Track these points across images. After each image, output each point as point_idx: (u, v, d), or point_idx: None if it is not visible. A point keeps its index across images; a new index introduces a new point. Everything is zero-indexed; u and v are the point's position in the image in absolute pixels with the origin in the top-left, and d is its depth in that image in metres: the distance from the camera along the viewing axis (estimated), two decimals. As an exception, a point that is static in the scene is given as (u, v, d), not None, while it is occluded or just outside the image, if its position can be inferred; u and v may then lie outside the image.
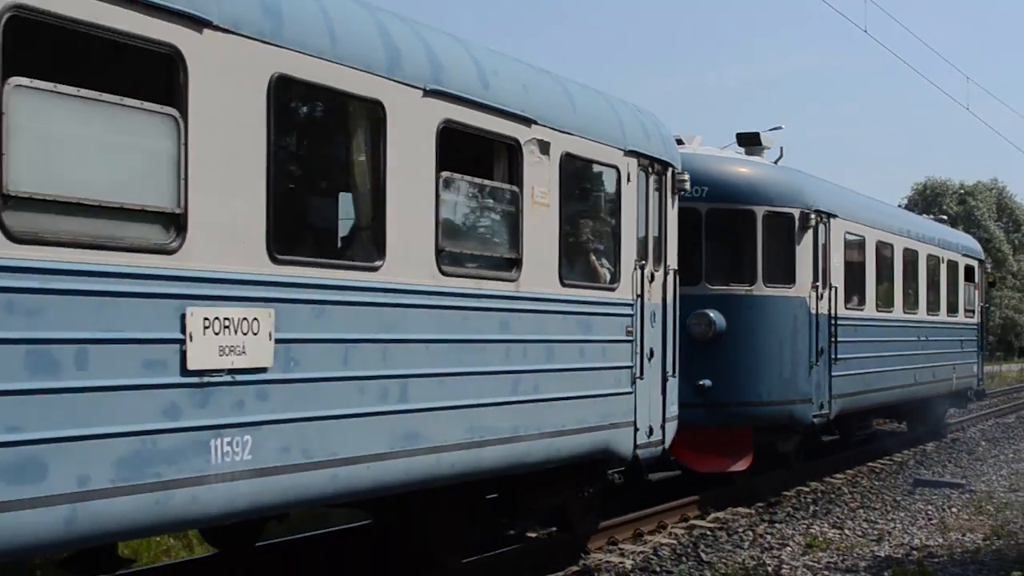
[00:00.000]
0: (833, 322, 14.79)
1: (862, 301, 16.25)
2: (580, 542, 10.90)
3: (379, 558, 9.89)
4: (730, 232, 13.63)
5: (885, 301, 17.25)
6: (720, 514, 12.98)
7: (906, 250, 18.24)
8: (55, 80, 5.33)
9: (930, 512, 13.51)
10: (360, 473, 7.09)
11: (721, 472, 13.62)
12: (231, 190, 6.19)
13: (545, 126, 8.86)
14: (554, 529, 11.10)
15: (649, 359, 10.44)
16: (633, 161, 10.17)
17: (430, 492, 8.36)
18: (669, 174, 10.87)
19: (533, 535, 11.54)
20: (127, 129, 5.69)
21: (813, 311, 14.33)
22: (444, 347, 7.78)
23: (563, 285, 9.13)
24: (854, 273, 15.94)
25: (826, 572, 10.17)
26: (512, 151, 8.57)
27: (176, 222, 5.91)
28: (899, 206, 44.58)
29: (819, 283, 14.48)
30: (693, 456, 13.03)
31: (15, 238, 5.13)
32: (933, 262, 19.84)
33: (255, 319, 6.31)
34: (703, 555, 10.74)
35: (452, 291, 7.86)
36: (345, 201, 7.49)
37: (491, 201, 8.44)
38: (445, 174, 7.80)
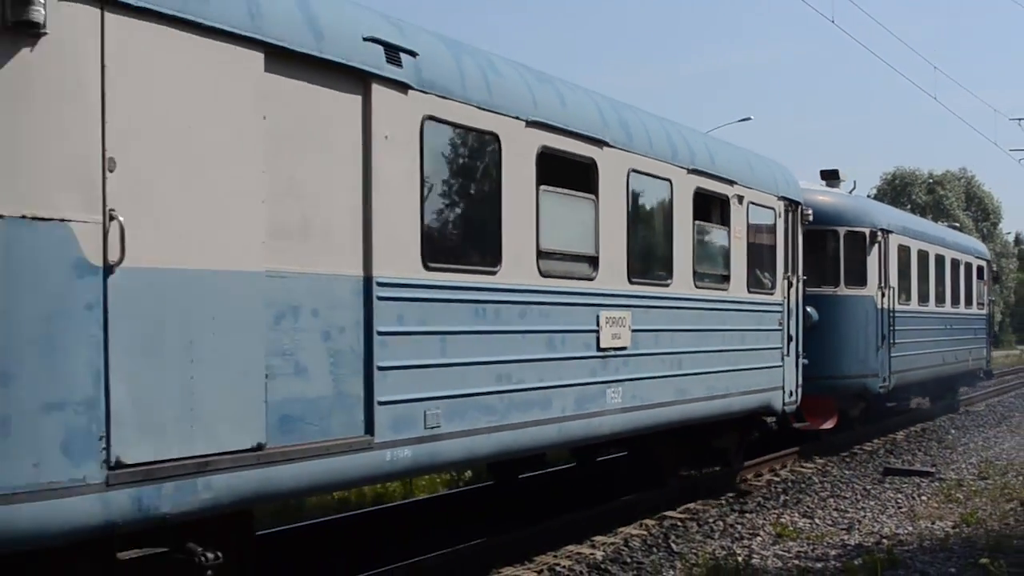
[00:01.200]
0: (891, 315, 19.12)
1: (908, 298, 20.60)
2: (733, 475, 15.12)
3: (588, 489, 14.05)
4: (821, 247, 17.88)
5: (923, 297, 21.64)
6: (691, 504, 13.24)
7: (937, 256, 22.65)
8: (550, 184, 9.49)
9: (900, 500, 13.59)
10: (662, 413, 11.31)
11: (815, 430, 17.88)
12: (612, 242, 10.38)
13: (740, 184, 13.09)
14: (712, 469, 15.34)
15: (790, 342, 14.68)
16: (781, 203, 14.42)
17: (666, 432, 12.54)
18: (799, 210, 15.12)
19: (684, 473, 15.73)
20: (576, 209, 9.87)
21: (878, 306, 18.65)
22: (697, 333, 12.00)
23: (749, 291, 13.37)
24: (903, 275, 20.28)
25: (796, 561, 10.11)
26: (723, 203, 12.80)
27: (593, 261, 10.10)
28: (868, 196, 44.99)
29: (882, 284, 18.79)
30: (794, 417, 17.30)
31: (543, 274, 9.30)
32: (955, 265, 24.28)
33: (624, 317, 10.50)
34: (674, 546, 10.89)
35: (700, 298, 12.09)
36: (656, 241, 11.64)
37: (715, 238, 12.64)
38: (697, 222, 12.02)
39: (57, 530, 5.47)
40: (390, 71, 7.56)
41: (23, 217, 5.30)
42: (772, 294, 14.16)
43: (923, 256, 21.64)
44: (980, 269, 26.92)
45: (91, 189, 5.57)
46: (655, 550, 10.75)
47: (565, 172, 9.79)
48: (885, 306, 18.93)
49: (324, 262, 7.07)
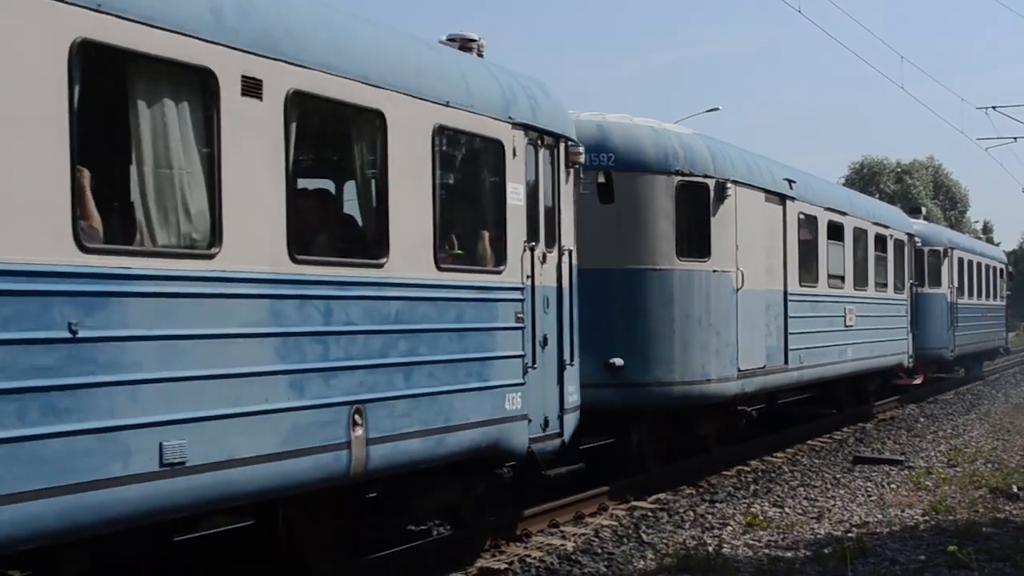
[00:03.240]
0: (955, 305, 27.77)
1: (962, 293, 29.26)
2: (869, 412, 23.55)
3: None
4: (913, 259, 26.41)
5: (970, 292, 30.33)
6: (661, 495, 13.06)
7: (976, 263, 31.44)
8: (830, 239, 17.88)
9: (869, 489, 13.63)
10: (863, 363, 19.78)
11: (909, 384, 26.42)
12: (848, 265, 18.82)
13: (891, 228, 21.59)
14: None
15: (910, 324, 23.20)
16: (906, 236, 22.98)
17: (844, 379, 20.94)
18: (912, 239, 23.67)
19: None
20: (836, 250, 18.31)
21: (948, 300, 27.29)
22: (876, 318, 20.45)
23: (894, 292, 21.89)
24: (960, 278, 28.93)
25: (766, 550, 10.08)
26: (883, 239, 21.28)
27: (842, 279, 18.57)
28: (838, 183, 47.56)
29: (951, 284, 27.41)
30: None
31: (829, 286, 17.72)
32: (986, 268, 33.08)
33: (853, 308, 18.96)
34: (644, 536, 10.82)
35: (878, 296, 20.60)
36: (862, 263, 20.01)
37: (880, 260, 21.12)
38: (875, 252, 20.52)
39: (722, 395, 13.85)
40: (790, 192, 16.00)
41: (723, 271, 13.69)
42: (902, 292, 22.71)
43: (970, 263, 30.37)
44: (1000, 271, 35.78)
45: (733, 257, 13.96)
46: (626, 540, 10.65)
47: (833, 231, 18.25)
48: (952, 300, 27.58)
49: (774, 283, 15.49)
